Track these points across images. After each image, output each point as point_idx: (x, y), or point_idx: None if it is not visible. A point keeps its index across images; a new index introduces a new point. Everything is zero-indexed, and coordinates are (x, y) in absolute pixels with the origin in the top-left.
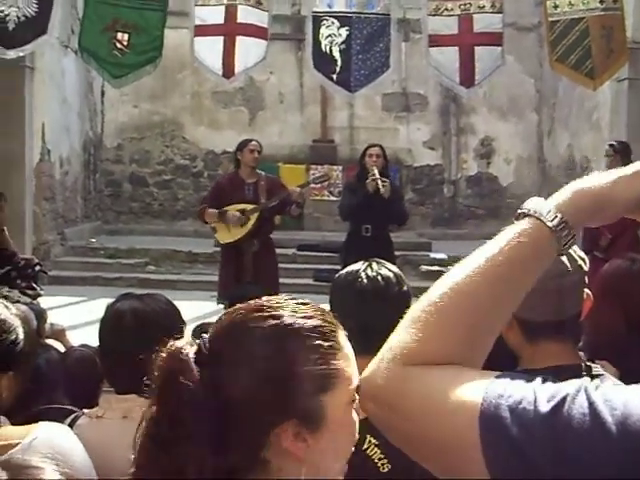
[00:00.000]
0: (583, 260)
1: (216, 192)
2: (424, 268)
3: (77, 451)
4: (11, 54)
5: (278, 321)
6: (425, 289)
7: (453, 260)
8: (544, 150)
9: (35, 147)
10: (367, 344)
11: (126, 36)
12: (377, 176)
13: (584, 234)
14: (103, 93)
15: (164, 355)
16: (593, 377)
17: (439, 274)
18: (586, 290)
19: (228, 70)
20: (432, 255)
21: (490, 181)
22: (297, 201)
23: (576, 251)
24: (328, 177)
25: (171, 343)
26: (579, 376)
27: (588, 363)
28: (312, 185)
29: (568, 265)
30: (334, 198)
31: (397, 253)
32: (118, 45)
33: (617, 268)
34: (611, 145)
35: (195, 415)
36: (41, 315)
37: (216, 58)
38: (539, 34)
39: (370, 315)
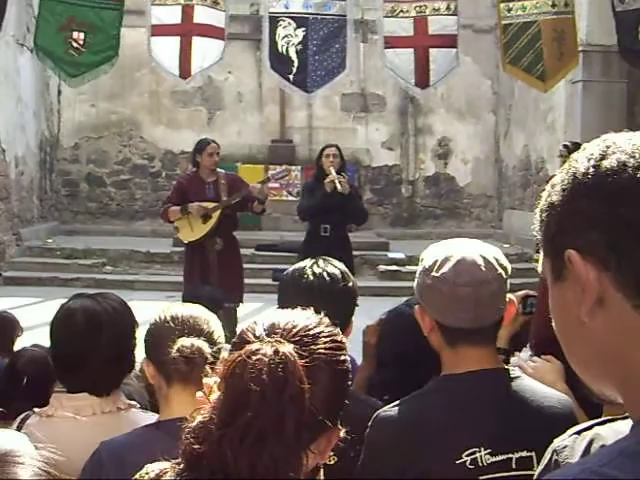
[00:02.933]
0: (504, 269)
1: (178, 192)
2: (382, 268)
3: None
4: None
5: None
6: (383, 288)
7: (411, 260)
8: (501, 151)
9: None
10: None
11: (82, 35)
12: (334, 175)
13: None
14: (60, 92)
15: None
16: (511, 379)
17: (397, 274)
18: (509, 296)
19: (185, 70)
20: (390, 255)
21: (448, 181)
22: (258, 197)
23: (498, 259)
24: (288, 172)
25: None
26: (500, 380)
27: (506, 366)
28: (272, 182)
29: (487, 274)
30: (292, 198)
31: (355, 253)
32: (74, 44)
33: None
34: (565, 146)
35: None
36: (13, 325)
37: (173, 58)
38: (496, 36)
39: (316, 311)
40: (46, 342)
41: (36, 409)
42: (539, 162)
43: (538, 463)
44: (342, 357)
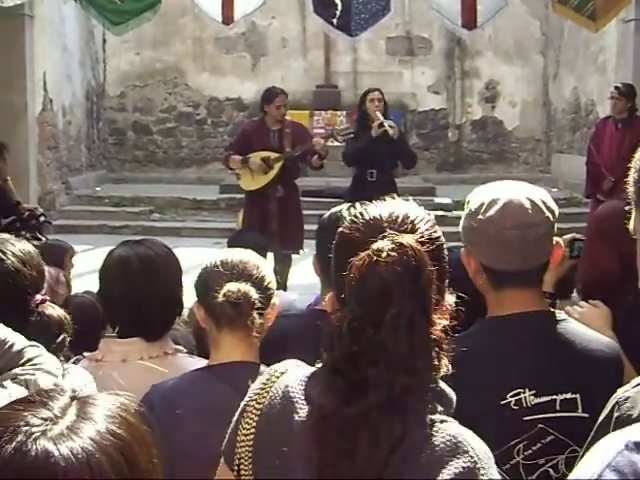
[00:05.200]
0: (552, 212)
1: (241, 139)
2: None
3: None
4: (8, 1)
5: None
6: None
7: (457, 205)
8: (549, 93)
9: (37, 97)
10: None
11: None
12: (383, 120)
13: (587, 178)
14: (105, 41)
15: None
16: (557, 322)
17: (443, 219)
18: (556, 239)
19: (227, 16)
20: (436, 200)
21: (495, 125)
22: (319, 153)
23: (546, 202)
24: (350, 130)
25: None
26: (545, 322)
27: (552, 309)
28: (337, 139)
29: (534, 217)
30: (337, 144)
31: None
32: None
33: (612, 209)
34: (616, 87)
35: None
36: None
37: (215, 4)
38: None
39: None
40: (96, 289)
41: (86, 353)
42: (589, 105)
43: (583, 405)
44: (438, 232)
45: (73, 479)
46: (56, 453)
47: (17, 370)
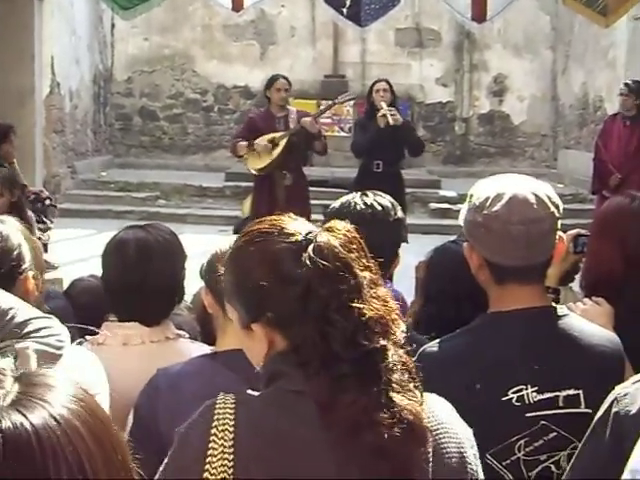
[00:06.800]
0: (557, 207)
1: (248, 126)
2: (433, 206)
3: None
4: None
5: None
6: (434, 226)
7: (462, 198)
8: (558, 88)
9: (44, 80)
10: None
11: None
12: (386, 108)
13: (593, 174)
14: (113, 25)
15: None
16: (559, 317)
17: (448, 212)
18: (559, 234)
19: (237, 3)
20: (442, 193)
21: (502, 119)
22: (312, 132)
23: (551, 197)
24: (333, 104)
25: None
26: (548, 318)
27: (554, 305)
28: (322, 114)
29: (539, 212)
30: (344, 134)
31: (407, 190)
32: None
33: (617, 205)
34: (626, 84)
35: None
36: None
37: None
38: None
39: (369, 238)
40: (100, 272)
41: (88, 337)
42: (597, 100)
43: (585, 401)
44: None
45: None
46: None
47: (10, 342)
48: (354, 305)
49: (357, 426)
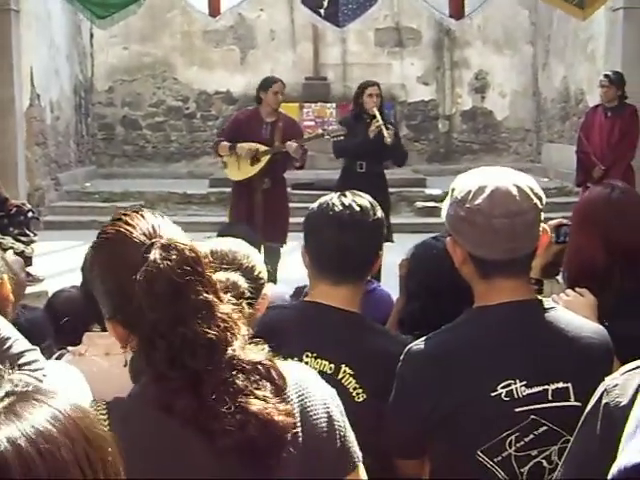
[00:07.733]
0: (539, 198)
1: (233, 126)
2: (419, 204)
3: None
4: None
5: None
6: (419, 225)
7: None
8: (539, 83)
9: (24, 92)
10: (346, 267)
11: None
12: (381, 122)
13: (577, 166)
14: (92, 35)
15: None
16: (545, 310)
17: (434, 210)
18: (543, 225)
19: (214, 8)
20: (427, 191)
21: (485, 115)
22: (294, 157)
23: (533, 189)
24: (322, 135)
25: None
26: (534, 311)
27: (539, 297)
28: (309, 142)
29: (522, 204)
30: (327, 136)
31: (392, 190)
32: None
33: (597, 195)
34: (606, 76)
35: None
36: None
37: None
38: None
39: (348, 239)
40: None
41: (70, 348)
42: (579, 94)
43: (575, 394)
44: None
45: None
46: None
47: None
48: (180, 330)
49: (203, 430)
